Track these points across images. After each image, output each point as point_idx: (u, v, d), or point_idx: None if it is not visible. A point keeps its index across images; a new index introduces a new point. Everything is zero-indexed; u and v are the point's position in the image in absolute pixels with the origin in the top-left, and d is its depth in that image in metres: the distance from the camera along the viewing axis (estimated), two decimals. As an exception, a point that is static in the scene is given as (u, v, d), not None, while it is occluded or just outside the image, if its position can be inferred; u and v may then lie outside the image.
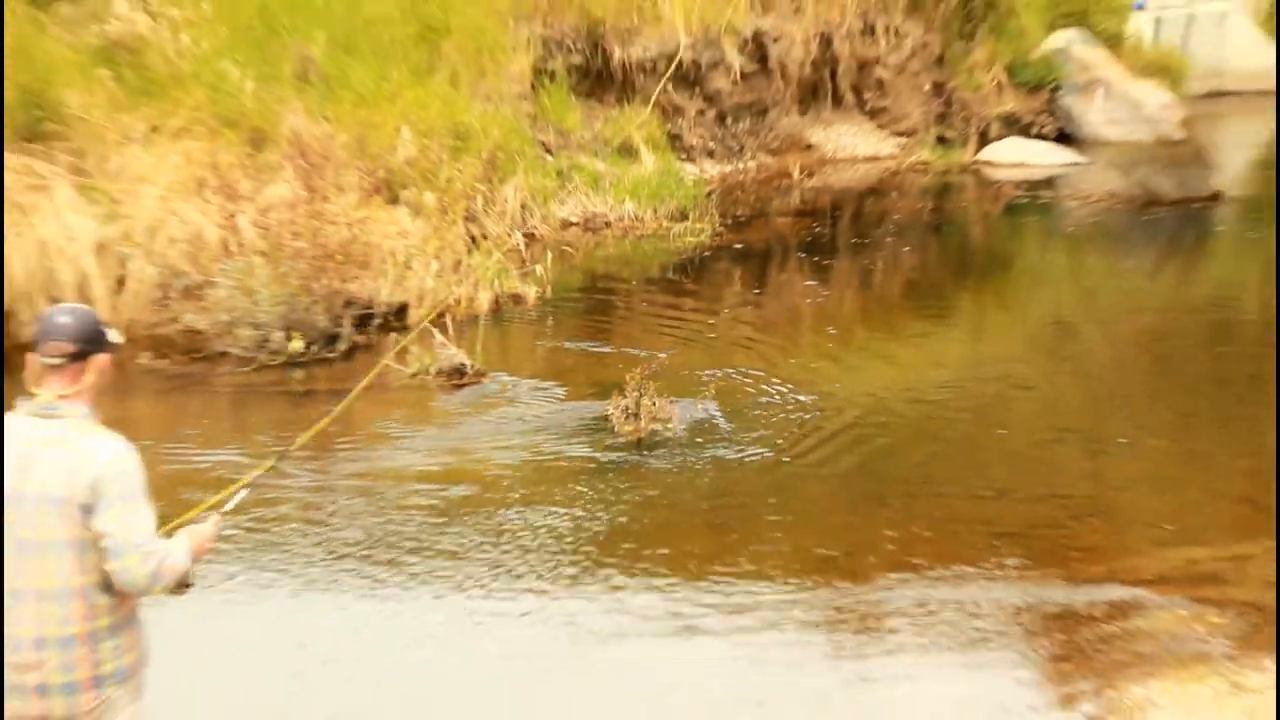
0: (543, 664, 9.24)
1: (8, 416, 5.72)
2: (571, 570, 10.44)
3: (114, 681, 5.70)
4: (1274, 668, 8.96)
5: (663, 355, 15.23)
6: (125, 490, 5.62)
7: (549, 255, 17.93)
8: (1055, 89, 28.65)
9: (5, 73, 16.08)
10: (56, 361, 5.68)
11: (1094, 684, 8.87)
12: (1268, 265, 20.51)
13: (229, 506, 6.73)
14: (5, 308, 15.02)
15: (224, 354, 14.80)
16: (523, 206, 19.42)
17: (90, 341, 5.74)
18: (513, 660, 9.26)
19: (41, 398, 5.66)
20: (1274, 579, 10.32)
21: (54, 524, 5.58)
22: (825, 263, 20.74)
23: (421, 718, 8.62)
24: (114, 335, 5.90)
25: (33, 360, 5.74)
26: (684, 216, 21.01)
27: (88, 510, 5.57)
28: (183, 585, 5.89)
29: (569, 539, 10.95)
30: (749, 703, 8.81)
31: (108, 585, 5.65)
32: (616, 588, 10.20)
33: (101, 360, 5.79)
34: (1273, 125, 32.49)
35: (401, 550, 10.70)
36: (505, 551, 10.70)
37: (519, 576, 10.32)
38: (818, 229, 22.51)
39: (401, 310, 16.15)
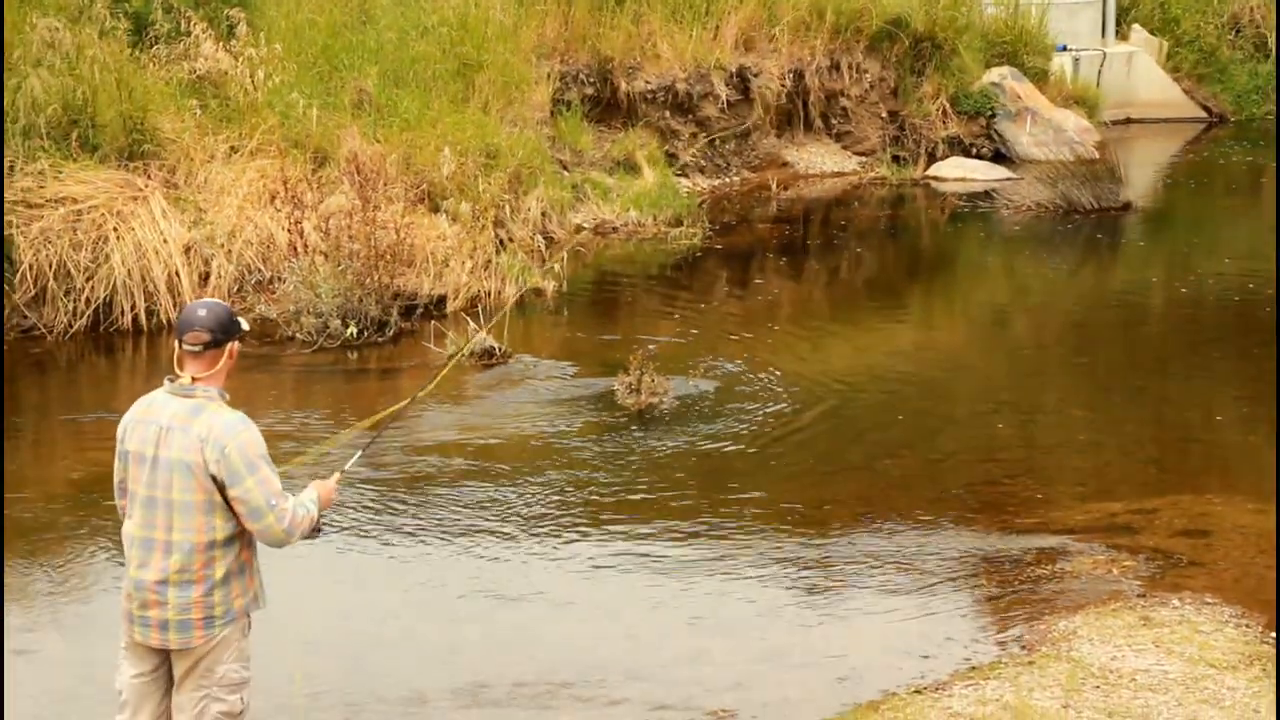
0: (557, 594, 9.14)
1: (154, 393, 5.76)
2: (581, 518, 10.36)
3: (223, 622, 5.67)
4: (1180, 604, 8.84)
5: (660, 340, 15.15)
6: (249, 460, 5.59)
7: (565, 255, 17.82)
8: (991, 116, 28.47)
9: (96, 103, 16.00)
10: (195, 348, 5.66)
11: (1026, 617, 8.78)
12: (1170, 265, 20.39)
13: (348, 465, 6.74)
14: (109, 299, 14.90)
15: (291, 338, 14.68)
16: (543, 214, 19.27)
17: (224, 331, 5.72)
18: (530, 592, 9.15)
19: (181, 379, 5.67)
20: (1178, 527, 10.21)
21: (184, 486, 5.56)
22: (798, 262, 20.62)
23: (452, 642, 8.49)
24: (244, 324, 5.90)
25: (176, 347, 5.75)
26: (679, 223, 20.89)
27: (218, 479, 5.56)
28: (315, 531, 5.90)
29: (580, 493, 10.87)
30: (724, 626, 8.72)
31: (227, 541, 5.64)
32: (618, 533, 10.12)
33: (234, 347, 5.78)
34: (1171, 147, 32.40)
35: (438, 502, 10.60)
36: (526, 504, 10.61)
37: (539, 524, 10.22)
38: (792, 234, 22.41)
39: (441, 301, 16.06)
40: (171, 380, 5.71)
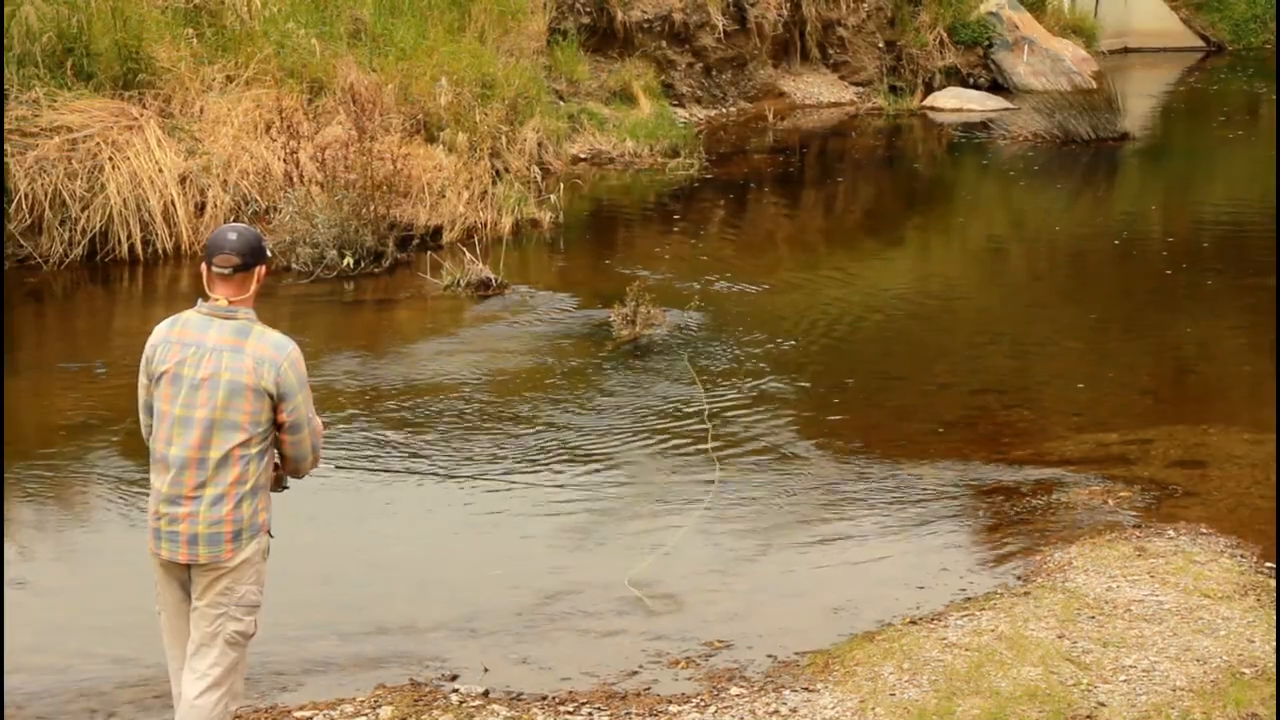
0: (553, 525, 9.10)
1: (183, 314, 5.73)
2: (577, 450, 10.32)
3: (249, 534, 5.70)
4: (1175, 535, 8.82)
5: (656, 271, 15.08)
6: (301, 376, 5.70)
7: (561, 186, 17.74)
8: (988, 46, 28.36)
9: (91, 32, 15.87)
10: (226, 271, 5.65)
11: (1021, 548, 8.75)
12: (1167, 195, 20.33)
13: None
14: (105, 229, 14.79)
15: (287, 269, 14.60)
16: (539, 144, 19.18)
17: (253, 255, 5.71)
18: (527, 523, 9.12)
19: (219, 302, 5.66)
20: (1174, 458, 10.18)
21: (232, 406, 5.57)
22: (795, 193, 20.54)
23: (449, 574, 8.47)
24: (270, 250, 5.94)
25: (205, 270, 5.72)
26: (675, 153, 20.81)
27: (271, 396, 5.62)
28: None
29: (575, 425, 10.81)
30: (719, 557, 8.69)
31: (258, 456, 5.67)
32: (613, 464, 10.08)
33: (261, 271, 5.77)
34: (1168, 76, 32.25)
35: (433, 434, 10.56)
36: (522, 435, 10.58)
37: (535, 456, 10.18)
38: (788, 164, 22.33)
39: (437, 232, 15.98)
40: (205, 301, 5.70)
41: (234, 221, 15.20)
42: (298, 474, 5.94)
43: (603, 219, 18.45)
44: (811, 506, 9.43)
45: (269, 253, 5.87)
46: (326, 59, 17.71)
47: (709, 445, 10.16)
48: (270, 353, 5.61)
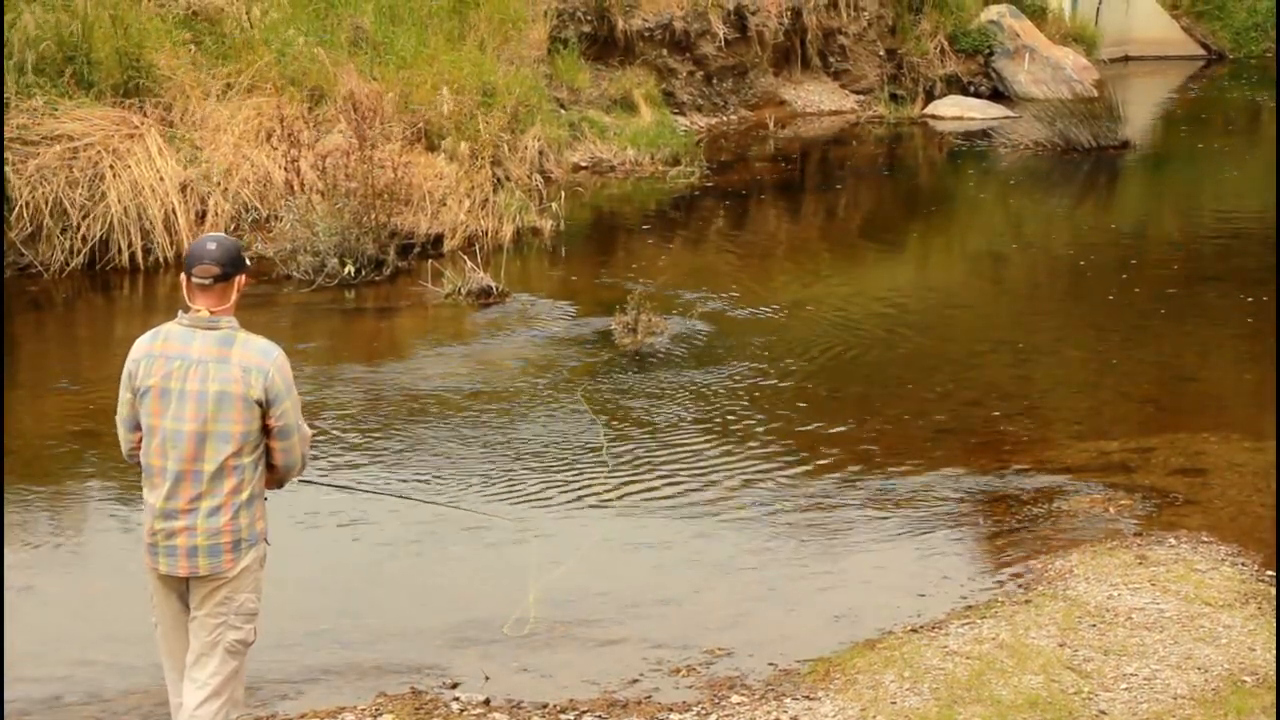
0: (553, 534, 9.10)
1: (164, 327, 5.68)
2: (576, 459, 10.31)
3: (248, 544, 5.69)
4: (1176, 543, 8.83)
5: (658, 279, 15.09)
6: (288, 381, 5.68)
7: (562, 194, 17.76)
8: (989, 54, 28.41)
9: (91, 40, 15.90)
10: (206, 282, 5.62)
11: (1022, 556, 8.76)
12: (1168, 203, 20.34)
13: None
14: (106, 237, 14.83)
15: (288, 277, 14.63)
16: (540, 153, 19.19)
17: (233, 264, 5.68)
18: (526, 532, 9.12)
19: (200, 313, 5.62)
20: (1175, 466, 10.18)
21: (224, 417, 5.55)
22: (795, 201, 20.56)
23: (449, 583, 8.47)
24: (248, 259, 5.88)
25: (185, 281, 5.68)
26: (676, 161, 20.84)
27: (260, 404, 5.60)
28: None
29: (575, 433, 10.81)
30: (721, 565, 8.69)
31: (252, 465, 5.66)
32: (614, 473, 10.06)
33: (241, 280, 5.74)
34: (1169, 84, 32.28)
35: (433, 443, 10.56)
36: (522, 444, 10.58)
37: (535, 465, 10.18)
38: (789, 172, 22.36)
39: (438, 240, 16.00)
40: (186, 313, 5.66)
41: (233, 230, 15.27)
42: (281, 484, 5.93)
43: (604, 227, 18.47)
44: (812, 514, 9.43)
45: (248, 261, 5.83)
46: (327, 67, 17.72)
47: (602, 485, 9.99)
48: (257, 360, 5.60)
